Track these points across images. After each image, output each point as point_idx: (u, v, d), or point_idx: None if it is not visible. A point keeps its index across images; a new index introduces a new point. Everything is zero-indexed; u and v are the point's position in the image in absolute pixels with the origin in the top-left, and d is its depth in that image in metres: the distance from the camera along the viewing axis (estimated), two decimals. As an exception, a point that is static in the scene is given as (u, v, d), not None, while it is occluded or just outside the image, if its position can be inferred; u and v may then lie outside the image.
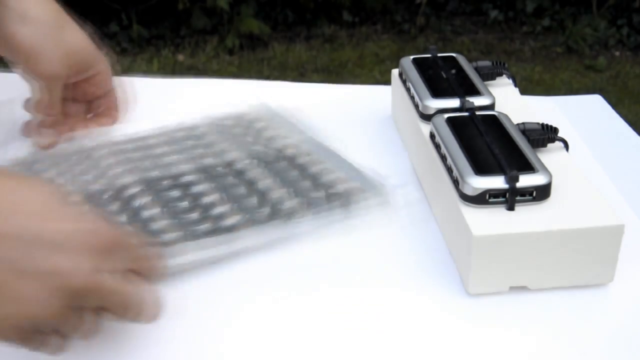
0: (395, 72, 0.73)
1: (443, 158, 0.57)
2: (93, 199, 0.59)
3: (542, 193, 0.52)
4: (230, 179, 0.61)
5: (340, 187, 0.60)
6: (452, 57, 0.72)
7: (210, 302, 0.52)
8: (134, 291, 0.44)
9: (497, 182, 0.52)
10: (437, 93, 0.65)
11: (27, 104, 0.69)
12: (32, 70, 0.65)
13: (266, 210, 0.57)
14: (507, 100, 0.67)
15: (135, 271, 0.45)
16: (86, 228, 0.42)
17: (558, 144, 0.60)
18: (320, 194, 0.59)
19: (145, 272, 0.45)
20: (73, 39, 0.66)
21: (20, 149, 0.69)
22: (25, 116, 0.70)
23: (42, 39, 0.64)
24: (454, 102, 0.63)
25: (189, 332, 0.50)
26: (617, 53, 2.89)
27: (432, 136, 0.60)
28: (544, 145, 0.59)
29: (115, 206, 0.58)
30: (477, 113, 0.61)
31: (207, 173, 0.62)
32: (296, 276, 0.54)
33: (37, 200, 0.42)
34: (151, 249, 0.47)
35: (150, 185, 0.60)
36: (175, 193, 0.59)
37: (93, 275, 0.41)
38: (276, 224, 0.56)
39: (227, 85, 0.88)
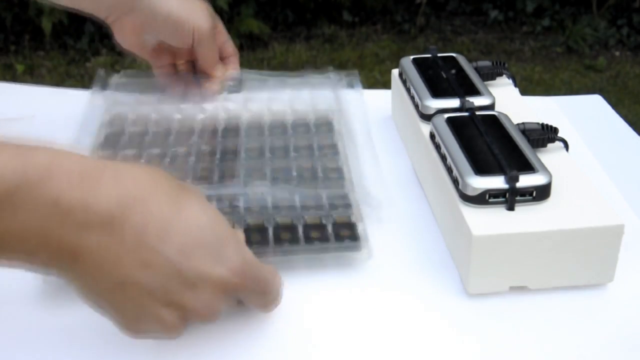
0: (395, 72, 0.73)
1: (443, 158, 0.57)
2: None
3: (542, 193, 0.52)
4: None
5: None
6: (452, 57, 0.72)
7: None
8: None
9: (497, 182, 0.52)
10: (437, 93, 0.65)
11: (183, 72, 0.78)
12: (187, 35, 0.72)
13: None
14: (507, 100, 0.67)
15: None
16: (222, 275, 0.43)
17: (558, 144, 0.60)
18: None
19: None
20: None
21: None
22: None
23: (187, 5, 0.72)
24: (454, 102, 0.63)
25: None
26: (617, 53, 2.89)
27: (432, 136, 0.60)
28: (544, 145, 0.59)
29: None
30: (477, 113, 0.61)
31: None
32: (296, 276, 0.54)
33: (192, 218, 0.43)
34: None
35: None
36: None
37: (215, 309, 0.44)
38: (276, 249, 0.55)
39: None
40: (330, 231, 0.56)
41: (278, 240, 0.55)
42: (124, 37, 0.74)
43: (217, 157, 0.66)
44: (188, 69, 0.79)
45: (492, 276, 0.52)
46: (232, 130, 0.71)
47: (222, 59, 0.78)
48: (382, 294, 0.53)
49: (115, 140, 0.68)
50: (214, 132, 0.71)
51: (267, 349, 0.49)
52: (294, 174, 0.63)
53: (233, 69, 0.78)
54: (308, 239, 0.55)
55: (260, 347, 0.49)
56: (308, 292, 0.53)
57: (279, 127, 0.71)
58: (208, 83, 0.76)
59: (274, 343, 0.49)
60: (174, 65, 0.79)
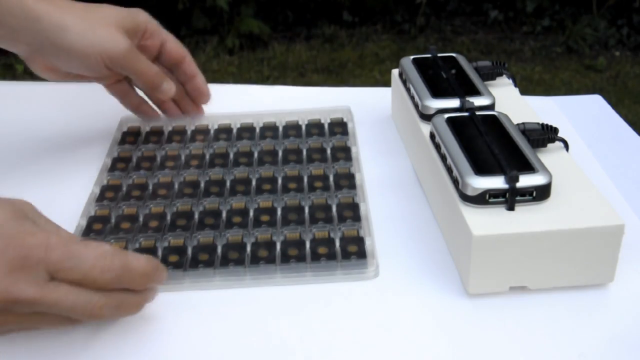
0: (395, 72, 0.73)
1: (443, 158, 0.57)
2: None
3: (542, 193, 0.52)
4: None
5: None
6: (452, 57, 0.72)
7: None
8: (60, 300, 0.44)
9: (497, 182, 0.52)
10: (437, 93, 0.65)
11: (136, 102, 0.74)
12: (98, 64, 0.66)
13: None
14: (507, 100, 0.67)
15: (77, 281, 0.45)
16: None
17: (558, 144, 0.60)
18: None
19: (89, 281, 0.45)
20: (110, 11, 0.67)
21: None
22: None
23: (90, 33, 0.65)
24: (454, 102, 0.63)
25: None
26: (617, 53, 2.89)
27: (432, 136, 0.60)
28: (544, 145, 0.59)
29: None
30: (477, 113, 0.61)
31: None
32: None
33: None
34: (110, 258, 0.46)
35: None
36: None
37: (7, 290, 0.43)
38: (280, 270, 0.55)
39: (227, 89, 0.87)
40: (338, 246, 0.56)
41: (285, 256, 0.55)
42: (42, 72, 0.68)
43: (231, 159, 0.68)
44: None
45: (492, 276, 0.52)
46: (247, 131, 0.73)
47: (174, 64, 0.73)
48: (381, 294, 0.53)
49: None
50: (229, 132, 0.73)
51: (265, 347, 0.49)
52: (306, 181, 0.64)
53: (188, 72, 0.73)
54: (315, 256, 0.55)
55: (258, 346, 0.49)
56: (307, 291, 0.53)
57: (293, 129, 0.73)
58: (158, 92, 0.70)
59: (269, 337, 0.49)
60: (125, 80, 0.72)
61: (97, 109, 0.78)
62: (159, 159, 0.69)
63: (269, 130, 0.73)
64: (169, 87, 0.70)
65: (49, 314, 0.45)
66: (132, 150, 0.70)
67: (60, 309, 0.44)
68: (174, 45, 0.72)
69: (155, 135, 0.72)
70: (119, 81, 0.72)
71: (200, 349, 0.48)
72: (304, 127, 0.73)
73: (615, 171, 0.67)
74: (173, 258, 0.55)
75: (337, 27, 3.03)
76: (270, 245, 0.56)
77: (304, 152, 0.68)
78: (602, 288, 0.53)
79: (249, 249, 0.56)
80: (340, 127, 0.72)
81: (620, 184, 0.65)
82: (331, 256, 0.54)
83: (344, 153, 0.68)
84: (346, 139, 0.70)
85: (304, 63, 2.78)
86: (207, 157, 0.68)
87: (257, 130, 0.73)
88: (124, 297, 0.47)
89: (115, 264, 0.45)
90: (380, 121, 0.76)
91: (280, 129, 0.73)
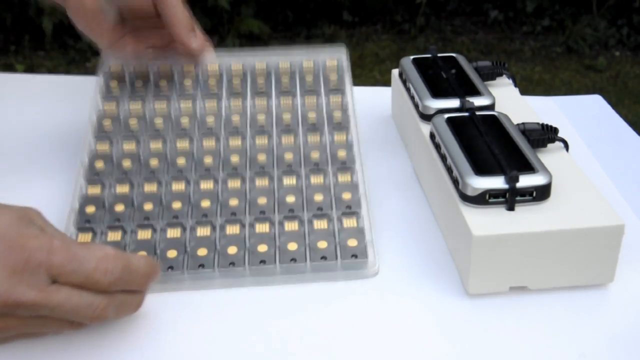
0: (395, 72, 0.73)
1: (443, 158, 0.57)
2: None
3: (542, 193, 0.52)
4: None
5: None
6: (452, 57, 0.72)
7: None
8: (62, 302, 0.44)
9: (497, 182, 0.52)
10: (437, 93, 0.65)
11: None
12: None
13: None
14: (507, 100, 0.67)
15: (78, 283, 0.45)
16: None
17: (558, 144, 0.60)
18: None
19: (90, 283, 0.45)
20: None
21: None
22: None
23: None
24: (454, 102, 0.63)
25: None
26: (617, 53, 2.89)
27: (432, 136, 0.60)
28: (544, 145, 0.59)
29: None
30: (477, 113, 0.61)
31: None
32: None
33: None
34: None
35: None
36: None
37: (8, 292, 0.42)
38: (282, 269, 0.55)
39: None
40: (338, 245, 0.55)
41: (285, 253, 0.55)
42: (80, 13, 0.66)
43: (222, 118, 0.66)
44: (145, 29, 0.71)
45: (492, 276, 0.52)
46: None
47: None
48: (381, 294, 0.53)
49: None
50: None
51: (264, 346, 0.49)
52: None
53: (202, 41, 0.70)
54: (315, 255, 0.54)
55: (257, 345, 0.49)
56: (306, 291, 0.53)
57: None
58: (189, 43, 0.67)
59: (268, 337, 0.49)
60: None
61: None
62: (147, 117, 0.66)
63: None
64: (199, 42, 0.68)
65: (51, 318, 0.45)
66: (117, 104, 0.67)
67: (63, 311, 0.44)
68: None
69: (142, 81, 0.70)
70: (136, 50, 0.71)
71: (200, 349, 0.48)
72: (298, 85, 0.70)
73: (615, 171, 0.67)
74: (171, 254, 0.54)
75: (337, 27, 3.03)
76: (270, 239, 0.56)
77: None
78: (602, 288, 0.53)
79: (247, 243, 0.55)
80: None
81: (620, 184, 0.65)
82: (331, 255, 0.54)
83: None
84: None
85: (304, 63, 2.78)
86: (198, 115, 0.66)
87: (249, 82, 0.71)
88: (125, 298, 0.47)
89: (117, 266, 0.45)
90: (380, 121, 0.76)
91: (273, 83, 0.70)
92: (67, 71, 2.64)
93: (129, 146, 0.64)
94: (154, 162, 0.62)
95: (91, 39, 0.69)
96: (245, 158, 0.63)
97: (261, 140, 0.65)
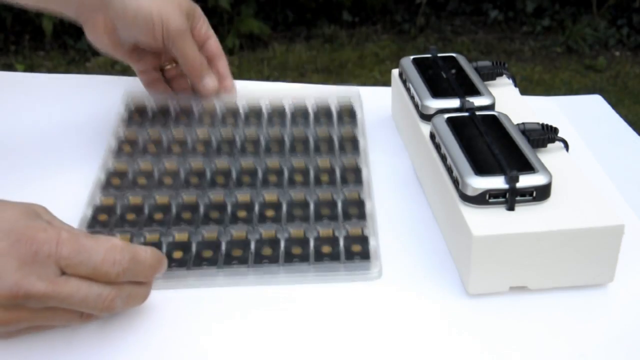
0: (395, 72, 0.73)
1: (443, 158, 0.57)
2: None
3: (542, 193, 0.52)
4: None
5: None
6: (452, 57, 0.72)
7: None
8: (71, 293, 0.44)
9: (497, 182, 0.52)
10: (437, 93, 0.65)
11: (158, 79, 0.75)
12: (157, 31, 0.68)
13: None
14: (507, 100, 0.67)
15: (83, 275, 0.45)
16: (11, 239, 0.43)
17: (558, 144, 0.60)
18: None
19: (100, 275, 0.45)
20: None
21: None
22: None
23: (158, 2, 0.67)
24: (454, 102, 0.63)
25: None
26: (617, 53, 2.88)
27: (432, 136, 0.60)
28: (544, 145, 0.59)
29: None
30: (477, 113, 0.61)
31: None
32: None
33: None
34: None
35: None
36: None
37: (18, 284, 0.43)
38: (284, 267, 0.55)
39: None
40: (342, 246, 0.56)
41: (289, 255, 0.55)
42: (96, 37, 0.70)
43: (237, 147, 0.68)
44: (176, 74, 0.76)
45: (492, 276, 0.52)
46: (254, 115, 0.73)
47: (210, 61, 0.74)
48: (381, 294, 0.53)
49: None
50: (235, 115, 0.73)
51: (263, 346, 0.49)
52: (312, 173, 0.64)
53: (222, 71, 0.75)
54: (318, 256, 0.55)
55: (256, 345, 0.49)
56: (306, 290, 0.53)
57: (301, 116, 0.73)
58: (200, 83, 0.72)
59: (267, 337, 0.49)
60: (160, 70, 0.75)
61: (98, 100, 0.78)
62: (165, 142, 0.69)
63: (278, 115, 0.73)
64: (212, 81, 0.72)
65: (60, 309, 0.45)
66: (137, 131, 0.70)
67: (72, 302, 0.44)
68: (215, 44, 0.75)
69: (162, 113, 0.73)
70: (155, 68, 0.74)
71: (201, 347, 0.48)
72: (312, 116, 0.73)
73: (615, 171, 0.67)
74: (177, 254, 0.55)
75: (337, 27, 3.03)
76: (274, 243, 0.56)
77: (311, 142, 0.69)
78: (602, 288, 0.53)
79: (252, 246, 0.56)
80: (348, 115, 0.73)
81: (620, 184, 0.65)
82: (335, 256, 0.55)
83: (352, 144, 0.68)
84: (354, 128, 0.71)
85: (304, 63, 2.78)
86: (214, 142, 0.69)
87: (265, 114, 0.73)
88: (132, 289, 0.47)
89: (125, 257, 0.45)
90: (380, 121, 0.76)
91: (289, 115, 0.73)
92: (67, 71, 2.64)
93: (146, 166, 0.66)
94: (167, 180, 0.64)
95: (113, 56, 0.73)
96: (256, 177, 0.64)
97: (272, 163, 0.66)
